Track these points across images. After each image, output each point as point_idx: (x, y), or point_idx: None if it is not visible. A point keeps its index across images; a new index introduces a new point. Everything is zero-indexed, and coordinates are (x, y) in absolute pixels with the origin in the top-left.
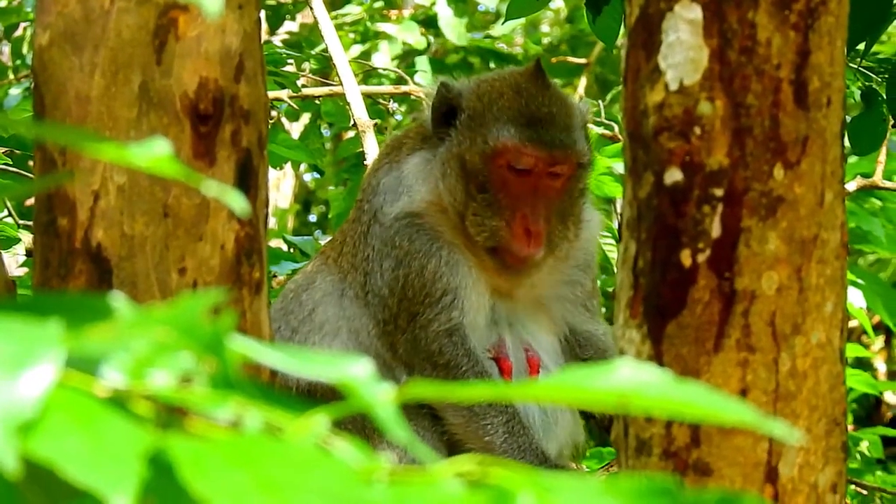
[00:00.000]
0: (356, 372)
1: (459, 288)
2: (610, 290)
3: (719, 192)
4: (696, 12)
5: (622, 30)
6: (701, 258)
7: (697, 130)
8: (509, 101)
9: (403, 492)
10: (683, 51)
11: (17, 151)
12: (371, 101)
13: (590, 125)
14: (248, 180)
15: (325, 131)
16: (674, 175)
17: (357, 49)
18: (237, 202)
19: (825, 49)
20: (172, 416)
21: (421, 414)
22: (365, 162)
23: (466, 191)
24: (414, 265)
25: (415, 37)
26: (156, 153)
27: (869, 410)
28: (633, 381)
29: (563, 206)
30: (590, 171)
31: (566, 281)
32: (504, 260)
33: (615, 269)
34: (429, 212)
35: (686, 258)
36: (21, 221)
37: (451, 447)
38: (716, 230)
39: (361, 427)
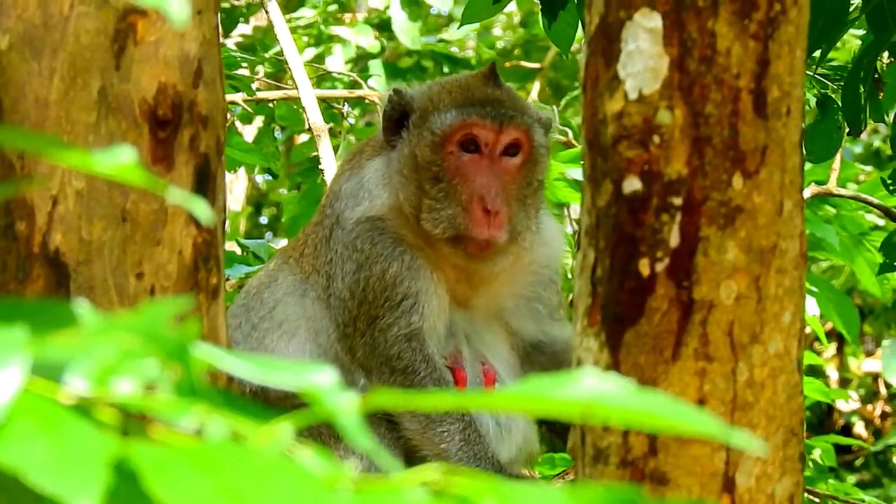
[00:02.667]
0: (320, 380)
1: (420, 293)
2: (565, 294)
3: (678, 201)
4: (656, 21)
5: (577, 35)
6: (659, 267)
7: (656, 139)
8: (456, 94)
9: (368, 500)
10: (643, 60)
11: None
12: (325, 104)
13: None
14: (206, 185)
15: (279, 134)
16: (632, 184)
17: (311, 52)
18: (201, 210)
19: (784, 58)
20: (137, 424)
21: (377, 419)
22: (319, 166)
23: (419, 187)
24: (375, 269)
25: (369, 40)
26: (120, 160)
27: (821, 418)
28: (595, 391)
29: (522, 194)
30: (546, 164)
31: (527, 296)
32: (466, 249)
33: (570, 276)
34: (390, 216)
35: (644, 267)
36: None
37: (407, 454)
38: (674, 239)
39: (317, 433)
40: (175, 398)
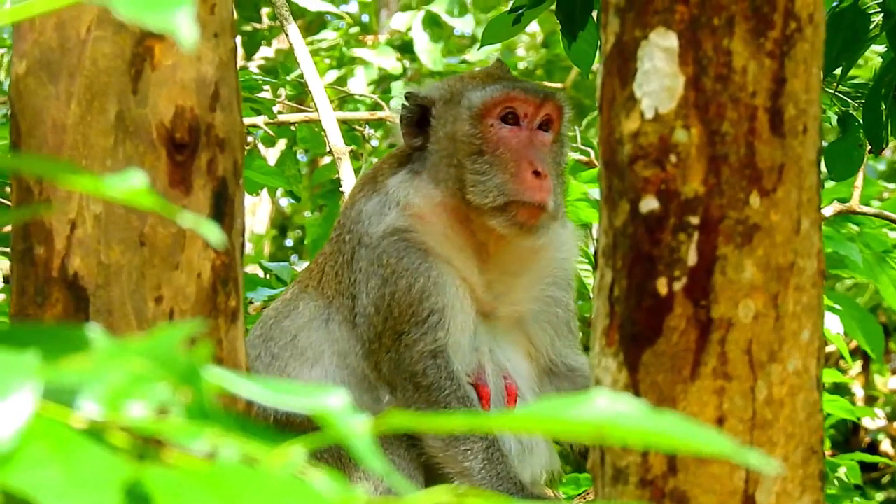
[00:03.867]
0: (332, 403)
1: (446, 308)
2: (587, 315)
3: (695, 220)
4: (672, 40)
5: (598, 55)
6: (677, 286)
7: (673, 158)
8: (482, 78)
9: None
10: (659, 79)
11: None
12: (347, 127)
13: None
14: (224, 208)
15: (301, 157)
16: (649, 203)
17: (333, 75)
18: (213, 234)
19: (801, 76)
20: (149, 447)
21: (398, 437)
22: (341, 188)
23: (460, 165)
24: (401, 283)
25: (391, 62)
26: (133, 185)
27: (847, 436)
28: (609, 412)
29: (556, 170)
30: (568, 149)
31: (546, 299)
32: (517, 216)
33: (591, 295)
34: (416, 227)
35: (662, 286)
36: None
37: (428, 471)
38: (692, 258)
39: (337, 456)
40: (187, 422)
